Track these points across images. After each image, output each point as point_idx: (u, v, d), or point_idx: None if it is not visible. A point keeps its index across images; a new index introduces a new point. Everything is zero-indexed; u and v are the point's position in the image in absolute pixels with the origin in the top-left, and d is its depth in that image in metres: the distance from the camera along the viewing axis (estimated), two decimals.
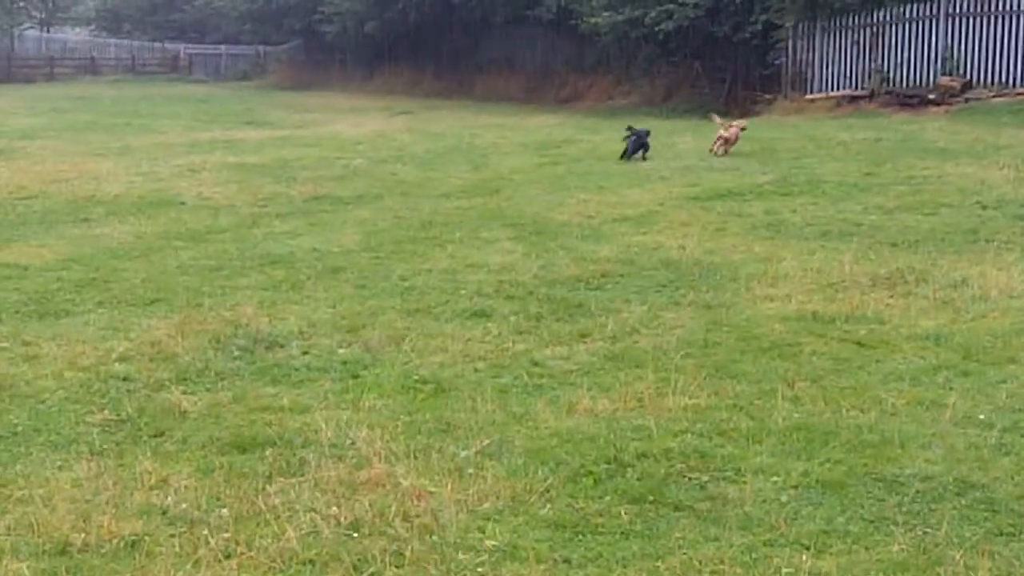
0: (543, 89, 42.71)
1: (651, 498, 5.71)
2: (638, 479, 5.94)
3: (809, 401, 7.11)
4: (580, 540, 5.32)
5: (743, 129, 21.09)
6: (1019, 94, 26.63)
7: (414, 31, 48.95)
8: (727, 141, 20.49)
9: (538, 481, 5.90)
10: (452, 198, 15.89)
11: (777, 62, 33.38)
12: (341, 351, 8.46)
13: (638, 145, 20.27)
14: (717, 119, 22.07)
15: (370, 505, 5.65)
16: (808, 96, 31.09)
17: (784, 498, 5.69)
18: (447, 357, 8.24)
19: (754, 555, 5.15)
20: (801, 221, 13.31)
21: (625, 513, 5.54)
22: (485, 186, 16.97)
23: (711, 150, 20.46)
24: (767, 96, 32.79)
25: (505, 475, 6.01)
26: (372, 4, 48.98)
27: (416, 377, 7.77)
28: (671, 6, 34.79)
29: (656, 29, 35.24)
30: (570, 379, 7.71)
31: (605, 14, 36.66)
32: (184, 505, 5.72)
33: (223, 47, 68.25)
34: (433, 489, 5.85)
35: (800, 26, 32.10)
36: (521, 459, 6.24)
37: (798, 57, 32.37)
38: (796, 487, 5.81)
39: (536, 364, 8.06)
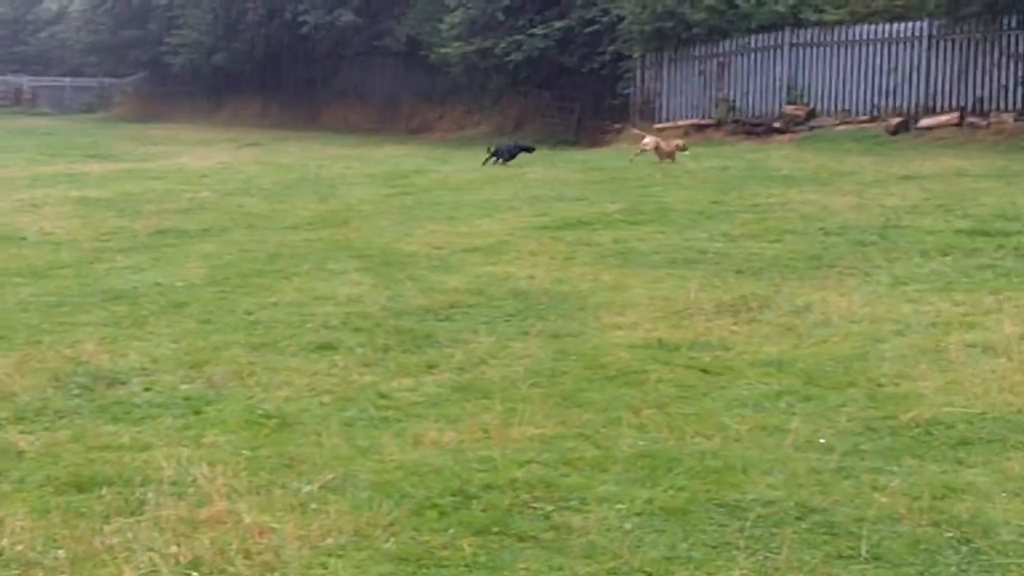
0: (393, 120, 42.74)
1: (496, 529, 5.67)
2: (483, 511, 5.91)
3: (654, 428, 7.14)
4: (424, 573, 5.27)
5: (682, 149, 22.32)
6: (861, 122, 27.30)
7: (262, 62, 48.71)
8: (666, 153, 22.07)
9: (382, 515, 5.84)
10: (300, 230, 15.76)
11: (626, 92, 33.77)
12: (184, 387, 8.30)
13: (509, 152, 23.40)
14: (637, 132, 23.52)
15: (211, 543, 5.54)
16: (657, 125, 31.46)
17: (628, 526, 5.69)
18: (292, 391, 8.13)
19: None
20: (649, 249, 13.41)
21: (469, 545, 5.50)
22: (333, 217, 16.86)
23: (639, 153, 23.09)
24: (616, 125, 33.14)
25: (349, 509, 5.93)
26: (219, 36, 48.70)
27: (260, 412, 7.65)
28: (521, 37, 35.11)
29: (506, 59, 35.53)
30: (417, 411, 7.65)
31: (455, 44, 36.84)
32: (19, 547, 5.56)
33: (68, 79, 67.16)
34: (275, 525, 5.75)
35: (648, 57, 32.55)
36: (366, 493, 6.17)
37: (646, 87, 32.81)
38: (640, 515, 5.82)
39: (383, 396, 7.98)
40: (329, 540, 5.59)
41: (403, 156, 29.34)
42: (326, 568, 5.32)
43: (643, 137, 23.71)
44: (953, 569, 5.24)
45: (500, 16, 36.03)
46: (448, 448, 6.87)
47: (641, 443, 6.88)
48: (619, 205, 16.83)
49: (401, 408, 7.73)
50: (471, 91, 39.88)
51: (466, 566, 5.32)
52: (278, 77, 49.43)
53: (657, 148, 22.60)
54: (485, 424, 7.22)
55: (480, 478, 6.31)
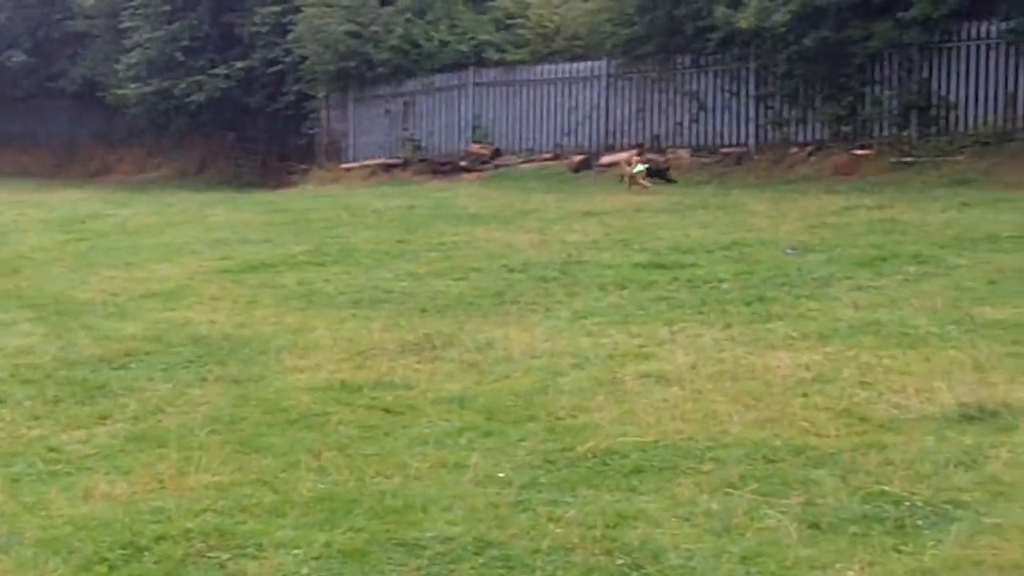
0: (70, 163, 41.60)
1: None
2: (155, 563, 5.73)
3: (335, 471, 7.05)
4: None
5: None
6: (545, 160, 27.86)
7: None
8: (633, 178, 22.69)
9: (48, 572, 5.61)
10: None
11: (312, 132, 33.66)
12: None
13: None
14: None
15: None
16: (344, 165, 31.45)
17: (305, 570, 5.60)
18: None
19: None
20: (334, 290, 13.32)
21: None
22: (3, 266, 16.19)
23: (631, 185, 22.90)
24: (302, 166, 32.98)
25: (13, 568, 5.68)
26: None
27: None
28: (202, 77, 34.68)
29: (187, 100, 35.07)
30: (88, 463, 7.39)
31: (133, 86, 36.11)
32: None
33: None
34: None
35: (333, 96, 32.50)
36: (31, 550, 5.90)
37: (332, 127, 32.75)
38: (318, 558, 5.73)
39: (52, 450, 7.68)
40: None
41: (80, 200, 28.49)
42: None
43: (623, 164, 24.00)
44: None
45: (179, 56, 35.52)
46: (120, 500, 6.64)
47: (321, 486, 6.79)
48: (304, 246, 16.68)
49: (71, 461, 7.45)
50: (152, 133, 39.15)
51: None
52: None
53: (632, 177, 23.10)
54: (159, 474, 7.02)
55: (152, 529, 6.12)
